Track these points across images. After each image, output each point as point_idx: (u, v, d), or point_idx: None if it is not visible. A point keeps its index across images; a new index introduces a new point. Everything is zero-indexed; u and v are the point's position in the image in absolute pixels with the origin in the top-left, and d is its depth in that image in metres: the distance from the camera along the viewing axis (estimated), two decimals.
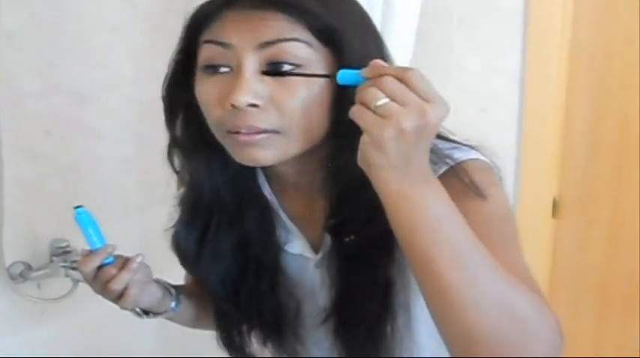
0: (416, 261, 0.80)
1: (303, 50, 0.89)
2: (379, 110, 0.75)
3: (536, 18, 2.12)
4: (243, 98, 0.88)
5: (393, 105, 0.75)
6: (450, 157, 0.97)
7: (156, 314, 1.18)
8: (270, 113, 0.90)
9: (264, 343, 1.21)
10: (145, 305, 1.14)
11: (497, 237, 0.90)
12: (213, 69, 0.92)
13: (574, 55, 2.16)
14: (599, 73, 2.16)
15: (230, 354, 1.23)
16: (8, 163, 1.75)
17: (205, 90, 0.94)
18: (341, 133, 0.92)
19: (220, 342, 1.23)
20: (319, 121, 0.93)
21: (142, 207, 2.14)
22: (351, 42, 0.91)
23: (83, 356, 1.88)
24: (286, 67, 0.89)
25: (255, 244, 1.11)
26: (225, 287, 1.14)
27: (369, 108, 0.76)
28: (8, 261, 1.82)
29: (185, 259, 1.15)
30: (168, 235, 1.16)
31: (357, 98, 0.78)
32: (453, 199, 0.86)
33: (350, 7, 0.96)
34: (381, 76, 0.77)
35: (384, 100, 0.75)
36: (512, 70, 2.18)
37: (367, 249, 0.98)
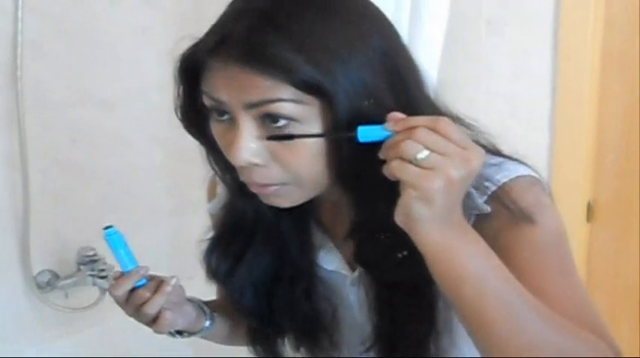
0: (463, 310, 0.81)
1: (291, 108, 0.84)
2: (422, 163, 0.75)
3: (567, 20, 2.07)
4: (241, 158, 0.86)
5: (436, 156, 0.75)
6: (491, 180, 0.93)
7: (190, 334, 1.15)
8: (274, 169, 0.88)
9: (297, 348, 1.19)
10: (180, 327, 1.10)
11: (552, 264, 0.89)
12: (217, 112, 0.89)
13: (606, 56, 2.11)
14: (632, 74, 2.11)
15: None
16: (34, 172, 1.75)
17: (216, 134, 0.92)
18: (349, 185, 0.91)
19: (253, 351, 1.21)
20: (327, 168, 0.89)
21: (170, 214, 2.13)
22: (345, 93, 0.84)
23: None
24: (281, 122, 0.85)
25: (290, 252, 1.09)
26: (259, 297, 1.11)
27: (409, 161, 0.75)
28: (35, 270, 1.82)
29: (218, 269, 1.12)
30: (199, 244, 1.13)
31: (391, 153, 0.77)
32: (502, 227, 0.88)
33: (357, 49, 0.86)
34: (412, 128, 0.76)
35: (425, 152, 0.75)
36: (543, 73, 2.14)
37: (405, 270, 0.94)
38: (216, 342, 1.26)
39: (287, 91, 0.83)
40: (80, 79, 1.86)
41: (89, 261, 1.86)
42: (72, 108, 1.85)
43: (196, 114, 0.95)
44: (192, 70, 0.91)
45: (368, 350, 1.05)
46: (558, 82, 2.13)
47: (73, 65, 1.84)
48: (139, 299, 1.03)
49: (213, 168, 1.03)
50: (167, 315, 1.04)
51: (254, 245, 1.08)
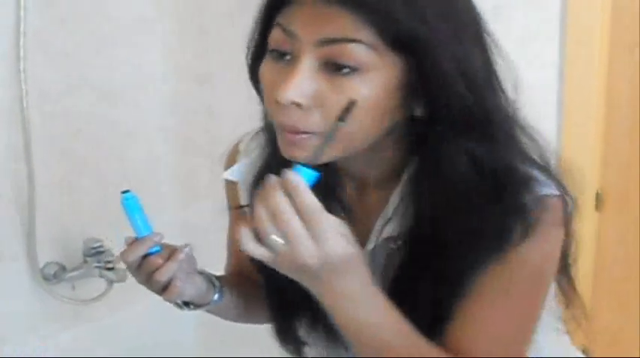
0: None
1: (365, 53, 0.82)
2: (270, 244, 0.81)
3: (574, 4, 2.05)
4: (287, 95, 0.84)
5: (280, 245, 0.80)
6: (541, 187, 0.93)
7: (198, 306, 1.14)
8: (314, 115, 0.86)
9: (313, 328, 1.16)
10: (189, 297, 1.09)
11: (509, 289, 0.93)
12: (277, 54, 0.88)
13: (615, 41, 2.09)
14: None
15: (284, 347, 1.19)
16: (39, 163, 1.75)
17: (265, 75, 0.90)
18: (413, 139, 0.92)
19: (274, 333, 1.19)
20: (370, 127, 0.88)
21: (175, 204, 2.13)
22: (435, 52, 0.83)
23: (119, 357, 1.87)
24: (345, 69, 0.84)
25: None
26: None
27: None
28: (42, 262, 1.81)
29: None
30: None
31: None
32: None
33: (453, 12, 0.86)
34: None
35: (273, 238, 0.80)
36: (550, 59, 2.12)
37: (417, 255, 0.95)
38: (223, 318, 1.25)
39: (368, 35, 0.82)
40: (83, 70, 1.86)
41: (96, 253, 1.86)
42: (75, 99, 1.85)
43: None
44: (276, 7, 0.89)
45: None
46: (566, 67, 2.11)
47: (76, 55, 1.84)
48: (151, 265, 1.02)
49: (266, 122, 1.03)
50: (177, 283, 1.03)
51: None
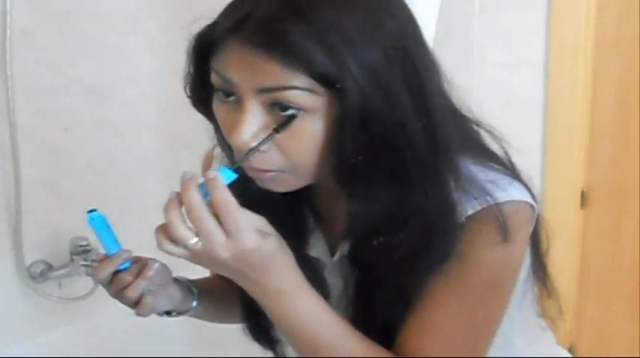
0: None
1: (304, 97, 0.83)
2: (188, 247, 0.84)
3: (559, 6, 2.07)
4: (243, 142, 0.86)
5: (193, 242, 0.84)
6: (492, 195, 0.92)
7: (179, 313, 1.15)
8: (274, 156, 0.88)
9: None
10: (164, 309, 1.11)
11: (463, 295, 0.93)
12: (223, 93, 0.89)
13: (600, 41, 2.11)
14: (625, 60, 2.11)
15: (257, 342, 1.20)
16: (26, 162, 1.75)
17: (218, 115, 0.91)
18: (344, 178, 0.91)
19: (247, 331, 1.20)
20: (323, 161, 0.89)
21: (162, 204, 2.12)
22: (358, 88, 0.83)
23: (107, 356, 1.87)
24: (290, 111, 0.84)
25: (283, 233, 1.08)
26: None
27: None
28: (28, 261, 1.81)
29: None
30: None
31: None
32: (472, 242, 0.91)
33: (374, 40, 0.85)
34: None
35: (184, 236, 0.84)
36: (536, 60, 2.13)
37: (384, 260, 0.95)
38: (211, 321, 1.27)
39: (302, 80, 0.82)
40: (71, 67, 1.85)
41: (82, 251, 1.85)
42: (63, 97, 1.85)
43: (206, 93, 0.93)
44: (206, 49, 0.89)
45: None
46: (551, 68, 2.12)
47: (64, 53, 1.83)
48: (120, 283, 1.03)
49: (220, 146, 1.03)
50: (148, 300, 1.04)
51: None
